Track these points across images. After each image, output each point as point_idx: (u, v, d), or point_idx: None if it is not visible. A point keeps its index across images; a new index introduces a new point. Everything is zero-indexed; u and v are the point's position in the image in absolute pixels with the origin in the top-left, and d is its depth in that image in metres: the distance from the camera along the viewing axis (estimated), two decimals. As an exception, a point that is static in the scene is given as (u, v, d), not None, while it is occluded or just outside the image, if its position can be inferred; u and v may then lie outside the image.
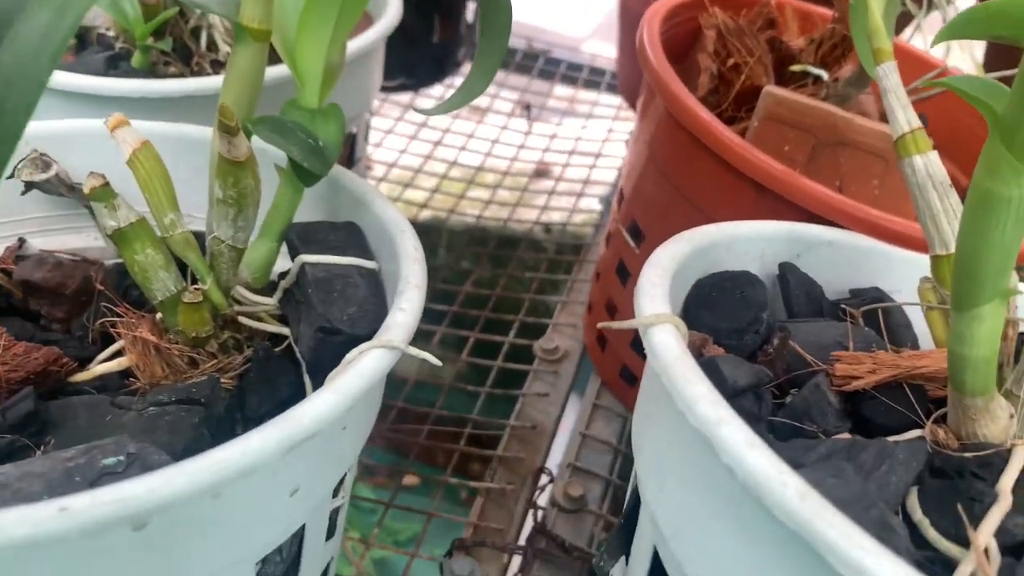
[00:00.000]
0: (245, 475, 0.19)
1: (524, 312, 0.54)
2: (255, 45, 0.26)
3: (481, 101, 0.77)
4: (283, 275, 0.30)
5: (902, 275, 0.30)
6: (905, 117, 0.24)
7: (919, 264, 0.30)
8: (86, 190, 0.25)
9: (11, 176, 0.32)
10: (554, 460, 0.45)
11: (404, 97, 0.75)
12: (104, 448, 0.22)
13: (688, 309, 0.25)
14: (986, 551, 0.18)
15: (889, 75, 0.25)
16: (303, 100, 0.29)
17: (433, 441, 0.46)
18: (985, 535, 0.18)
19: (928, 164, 0.24)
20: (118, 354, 0.29)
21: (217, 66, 0.43)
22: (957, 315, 0.20)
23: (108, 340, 0.31)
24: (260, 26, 0.26)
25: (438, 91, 0.77)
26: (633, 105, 0.75)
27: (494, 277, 0.58)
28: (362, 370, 0.22)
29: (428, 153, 0.70)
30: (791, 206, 0.31)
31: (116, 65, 0.41)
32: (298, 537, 0.25)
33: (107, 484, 0.21)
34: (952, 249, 0.23)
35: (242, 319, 0.28)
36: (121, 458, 0.22)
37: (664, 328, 0.19)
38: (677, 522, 0.19)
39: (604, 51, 0.81)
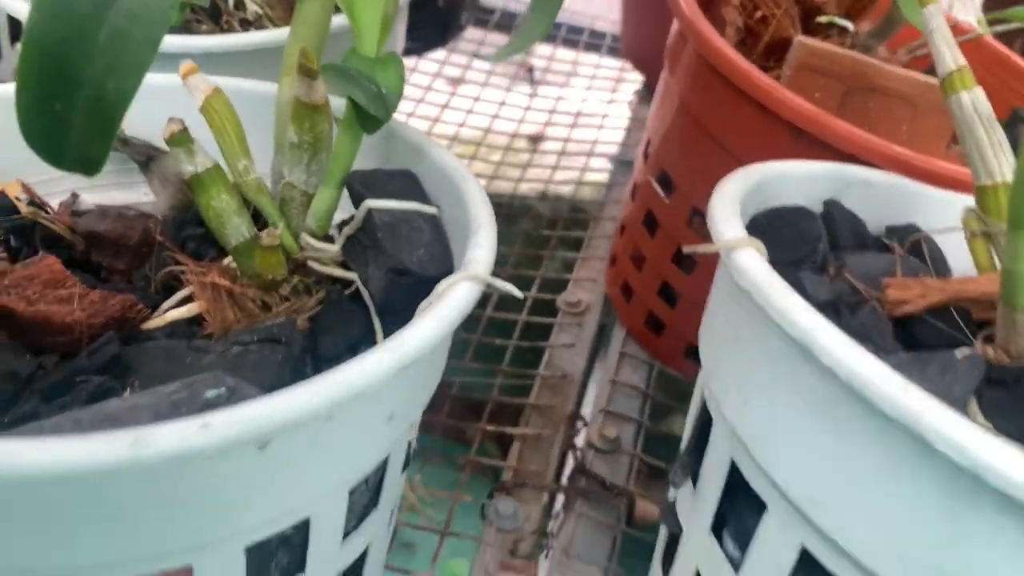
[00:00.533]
0: (359, 397, 0.20)
1: (544, 269, 0.55)
2: (323, -5, 0.27)
3: (484, 65, 0.77)
4: (344, 223, 0.31)
5: (934, 212, 0.31)
6: (952, 55, 0.25)
7: (950, 202, 0.31)
8: (165, 135, 0.26)
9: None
10: (585, 408, 0.46)
11: (409, 61, 0.75)
12: (205, 381, 0.23)
13: (748, 242, 0.26)
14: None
15: (935, 16, 0.26)
16: (363, 49, 0.29)
17: (465, 392, 0.47)
18: (1050, 431, 0.20)
19: (975, 100, 0.25)
20: (185, 302, 0.30)
21: (246, 24, 0.44)
22: (1013, 234, 0.22)
23: (170, 291, 0.31)
24: (329, -24, 0.26)
25: (441, 55, 0.77)
26: (638, 67, 0.76)
27: (511, 235, 0.59)
28: (454, 300, 0.23)
29: (436, 116, 0.70)
30: (827, 148, 0.32)
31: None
32: (382, 467, 0.27)
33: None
34: (998, 179, 0.25)
35: (311, 264, 0.29)
36: (222, 391, 0.23)
37: (749, 250, 0.21)
38: (765, 432, 0.21)
39: (603, 14, 0.82)
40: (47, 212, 0.32)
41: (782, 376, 0.20)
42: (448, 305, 0.23)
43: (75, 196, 0.34)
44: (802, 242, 0.26)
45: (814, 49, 0.34)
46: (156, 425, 0.18)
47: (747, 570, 0.23)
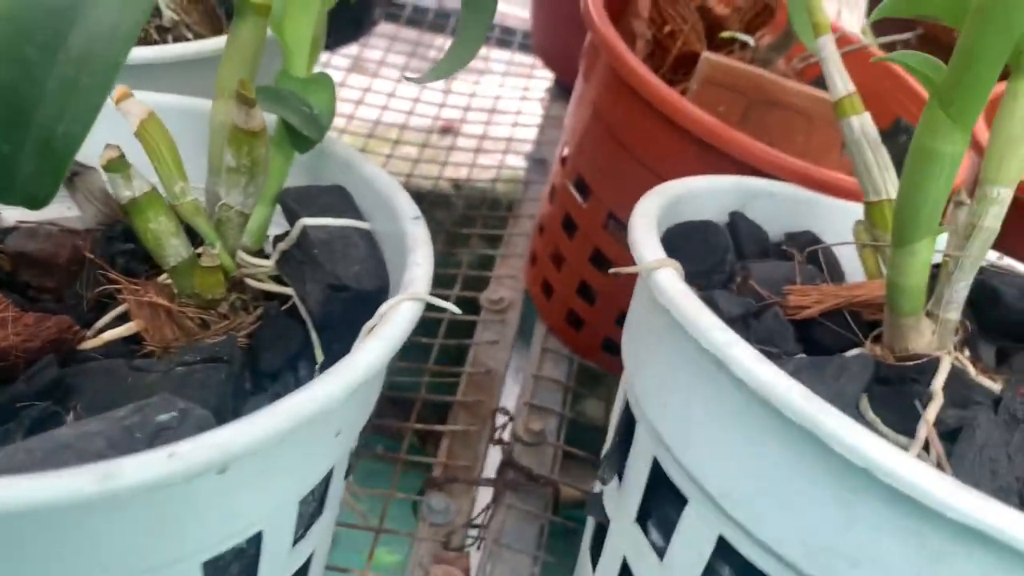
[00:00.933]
0: (312, 421, 0.21)
1: (465, 267, 0.57)
2: (256, 18, 0.27)
3: (398, 60, 0.78)
4: (278, 238, 0.32)
5: (829, 219, 0.34)
6: (843, 82, 0.28)
7: (844, 209, 0.34)
8: (102, 162, 0.26)
9: None
10: (508, 402, 0.48)
11: (322, 57, 0.75)
12: (154, 406, 0.24)
13: (663, 255, 0.29)
14: (927, 439, 0.23)
15: (827, 45, 0.29)
16: (293, 69, 0.30)
17: (394, 392, 0.48)
18: (927, 425, 0.22)
19: (863, 124, 0.28)
20: (119, 320, 0.31)
21: (163, 32, 0.43)
22: (896, 250, 0.25)
23: (102, 308, 0.31)
24: (262, 0, 0.27)
25: (354, 50, 0.77)
26: (548, 65, 0.78)
27: (431, 231, 0.60)
28: (399, 321, 0.24)
29: (350, 113, 0.71)
30: (730, 160, 0.35)
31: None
32: (327, 478, 0.28)
33: (165, 439, 0.23)
34: (883, 196, 0.28)
35: (248, 281, 0.30)
36: (174, 414, 0.24)
37: (667, 271, 0.23)
38: (683, 434, 0.23)
39: (514, 11, 0.84)
40: (-32, 232, 0.32)
41: (698, 383, 0.22)
42: (393, 326, 0.24)
43: (-6, 213, 0.34)
44: (711, 253, 0.29)
45: (719, 65, 0.37)
46: (124, 457, 0.19)
47: (671, 557, 0.25)
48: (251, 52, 0.28)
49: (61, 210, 0.35)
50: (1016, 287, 0.31)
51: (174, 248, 0.28)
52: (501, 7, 0.82)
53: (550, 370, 0.49)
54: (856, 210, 0.31)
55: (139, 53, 0.37)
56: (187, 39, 0.43)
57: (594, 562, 0.30)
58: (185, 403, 0.24)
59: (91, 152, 0.32)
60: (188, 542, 0.22)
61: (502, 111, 0.73)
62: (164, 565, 0.22)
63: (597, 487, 0.31)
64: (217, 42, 0.39)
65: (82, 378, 0.28)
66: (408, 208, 0.30)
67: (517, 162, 0.67)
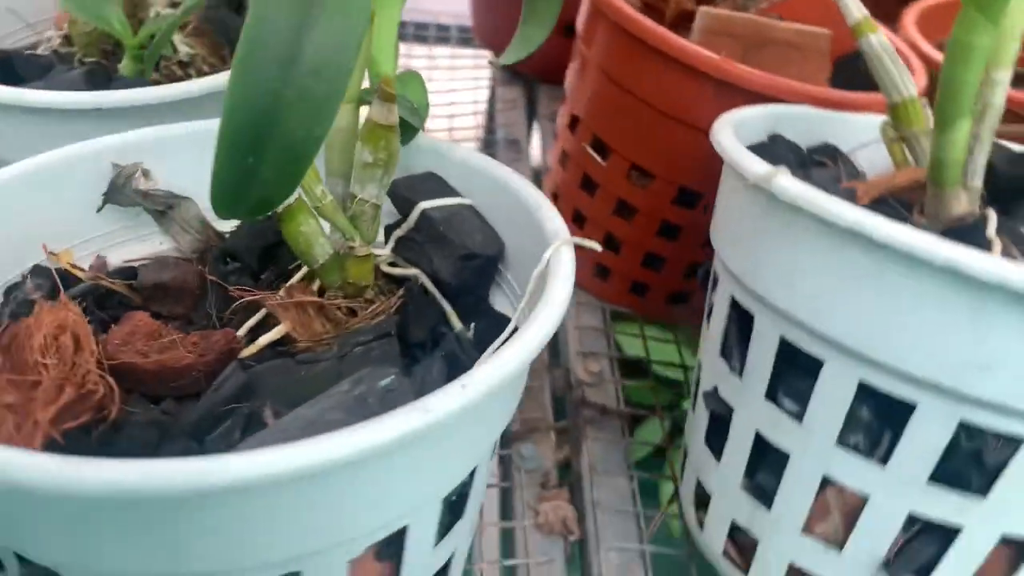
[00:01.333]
0: (520, 374, 0.24)
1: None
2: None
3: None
4: (389, 227, 0.35)
5: (842, 130, 0.40)
6: (857, 8, 0.33)
7: (851, 120, 0.40)
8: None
9: (111, 192, 0.34)
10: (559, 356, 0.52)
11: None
12: (372, 375, 0.27)
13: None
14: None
15: (835, -20, 0.34)
16: (384, 70, 0.33)
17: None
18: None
19: (879, 40, 0.33)
20: (257, 328, 0.33)
21: (184, 66, 0.45)
22: (940, 132, 0.30)
23: (225, 325, 0.34)
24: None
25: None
26: (495, 50, 0.82)
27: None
28: (567, 260, 0.28)
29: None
30: (746, 93, 0.40)
31: (96, 79, 0.41)
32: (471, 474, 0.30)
33: (392, 400, 0.27)
34: (905, 96, 0.34)
35: (384, 267, 0.33)
36: (392, 378, 0.27)
37: (785, 176, 0.28)
38: (817, 307, 0.28)
39: (445, 8, 0.87)
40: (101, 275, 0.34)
41: (831, 259, 0.27)
42: (565, 264, 0.27)
43: (101, 258, 0.36)
44: (788, 158, 0.34)
45: (716, 15, 0.42)
46: (386, 415, 0.21)
47: (811, 416, 0.30)
48: (364, 60, 0.31)
49: (155, 246, 0.37)
50: (1005, 157, 0.37)
51: (321, 247, 0.31)
52: (432, 5, 0.86)
53: (588, 320, 0.53)
54: (858, 119, 0.37)
55: (174, 89, 0.38)
56: (205, 72, 0.45)
57: (717, 449, 0.35)
58: (392, 368, 0.28)
59: (183, 186, 0.35)
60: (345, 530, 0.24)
61: (461, 103, 0.77)
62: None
63: (707, 387, 0.36)
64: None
65: (260, 380, 0.30)
66: (516, 178, 0.33)
67: (490, 148, 0.71)
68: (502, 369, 0.23)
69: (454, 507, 0.30)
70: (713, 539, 0.36)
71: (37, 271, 0.33)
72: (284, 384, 0.30)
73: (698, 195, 0.46)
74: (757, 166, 0.29)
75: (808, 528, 0.32)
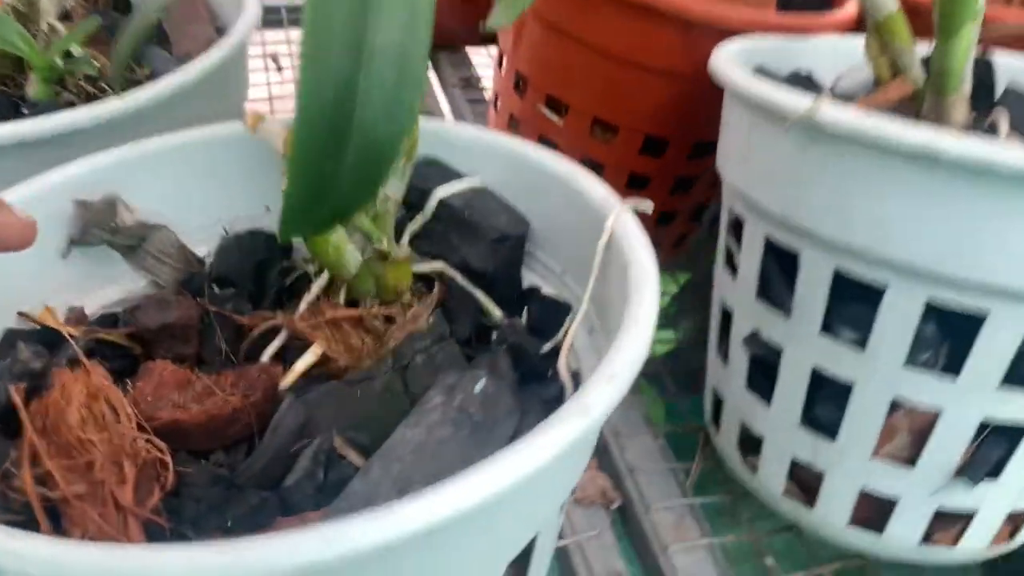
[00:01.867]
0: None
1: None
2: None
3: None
4: (399, 220, 0.32)
5: (813, 55, 0.40)
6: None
7: (817, 45, 0.40)
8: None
9: (82, 233, 0.29)
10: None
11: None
12: (461, 384, 0.25)
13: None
14: None
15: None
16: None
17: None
18: None
19: (863, -41, 0.33)
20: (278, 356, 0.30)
21: (94, 82, 0.40)
22: (943, 42, 0.31)
23: (243, 358, 0.30)
24: None
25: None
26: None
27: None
28: (631, 222, 0.26)
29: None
30: (716, 31, 0.40)
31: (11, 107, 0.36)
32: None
33: (490, 404, 0.25)
34: (891, 10, 0.34)
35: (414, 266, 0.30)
36: (483, 381, 0.25)
37: (829, 106, 0.27)
38: (878, 233, 0.28)
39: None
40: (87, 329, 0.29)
41: (894, 182, 0.27)
42: (639, 242, 0.26)
43: (74, 308, 0.31)
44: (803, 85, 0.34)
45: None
46: (578, 396, 0.20)
47: (875, 341, 0.30)
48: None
49: (132, 285, 0.33)
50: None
51: (351, 255, 0.28)
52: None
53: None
54: (821, 43, 0.38)
55: (110, 107, 0.34)
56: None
57: (767, 393, 0.35)
58: (479, 372, 0.26)
59: (151, 211, 0.31)
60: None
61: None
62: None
63: (744, 332, 0.35)
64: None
65: (314, 409, 0.27)
66: (543, 154, 0.31)
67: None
68: (638, 352, 0.21)
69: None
70: (771, 480, 0.36)
71: (13, 336, 0.28)
72: (342, 410, 0.27)
73: (664, 142, 0.46)
74: (793, 100, 0.28)
75: (876, 451, 0.32)
